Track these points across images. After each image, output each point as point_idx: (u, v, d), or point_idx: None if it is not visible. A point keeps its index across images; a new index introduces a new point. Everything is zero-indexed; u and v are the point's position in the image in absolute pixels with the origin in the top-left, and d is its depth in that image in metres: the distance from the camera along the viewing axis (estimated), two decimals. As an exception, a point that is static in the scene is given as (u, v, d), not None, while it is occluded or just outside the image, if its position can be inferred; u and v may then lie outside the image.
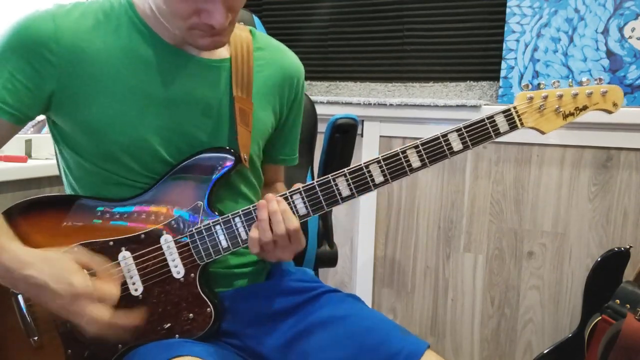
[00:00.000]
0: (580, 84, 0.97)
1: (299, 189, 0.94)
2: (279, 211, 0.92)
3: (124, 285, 0.92)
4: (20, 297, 0.92)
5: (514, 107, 0.96)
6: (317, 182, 0.94)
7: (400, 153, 0.94)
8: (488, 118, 0.95)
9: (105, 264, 0.90)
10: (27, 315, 0.92)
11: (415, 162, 0.94)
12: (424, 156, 0.94)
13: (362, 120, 2.11)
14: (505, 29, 1.96)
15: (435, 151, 0.94)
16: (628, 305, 1.57)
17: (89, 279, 0.84)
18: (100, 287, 0.85)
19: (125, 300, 0.92)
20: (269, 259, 0.96)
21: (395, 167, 0.94)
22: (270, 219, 0.92)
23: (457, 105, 1.94)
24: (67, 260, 0.85)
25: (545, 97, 0.96)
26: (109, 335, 0.86)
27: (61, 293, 0.81)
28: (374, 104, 2.06)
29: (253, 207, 0.94)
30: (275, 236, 0.91)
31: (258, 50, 1.05)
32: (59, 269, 0.83)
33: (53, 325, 0.92)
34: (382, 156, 0.94)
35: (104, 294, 0.84)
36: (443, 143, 0.94)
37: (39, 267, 0.83)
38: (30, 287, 0.83)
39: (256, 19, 1.42)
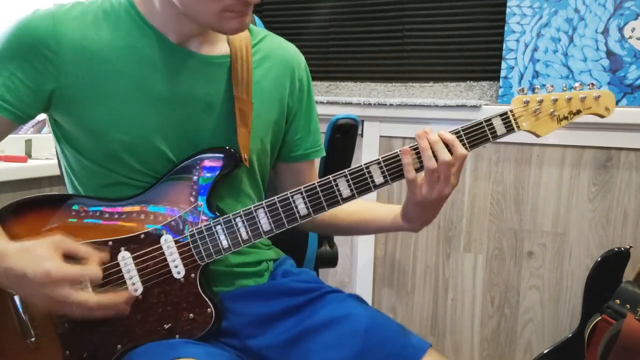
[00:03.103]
0: (573, 88, 0.99)
1: (299, 189, 0.94)
2: (440, 141, 0.91)
3: (123, 285, 0.92)
4: (16, 298, 0.91)
5: (511, 111, 0.96)
6: (318, 182, 0.94)
7: (400, 154, 0.94)
8: (486, 121, 0.95)
9: (89, 248, 0.88)
10: (23, 316, 0.91)
11: (415, 163, 0.94)
12: None
13: (362, 120, 2.11)
14: (505, 29, 1.96)
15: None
16: (628, 305, 1.57)
17: (63, 263, 0.82)
18: (78, 269, 0.83)
19: None
20: (429, 195, 0.93)
21: (395, 168, 0.94)
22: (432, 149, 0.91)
23: (457, 106, 1.94)
24: (42, 246, 0.83)
25: (541, 101, 0.97)
26: (102, 316, 0.86)
27: (39, 281, 0.80)
28: (374, 104, 2.05)
29: (254, 207, 0.94)
30: (440, 164, 0.90)
31: (256, 45, 1.05)
32: (34, 257, 0.82)
33: (51, 326, 0.91)
34: (382, 157, 0.94)
35: (83, 275, 0.84)
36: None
37: (16, 258, 0.82)
38: (12, 280, 0.83)
39: (257, 19, 1.42)
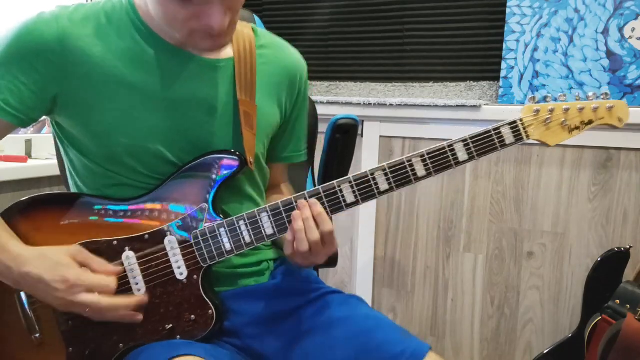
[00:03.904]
0: (587, 98, 0.98)
1: (303, 194, 0.94)
2: (311, 217, 0.91)
3: (126, 285, 0.93)
4: (22, 294, 0.93)
5: (520, 120, 0.96)
6: (322, 187, 0.94)
7: (405, 162, 0.94)
8: (494, 129, 0.95)
9: (103, 261, 0.91)
10: (29, 312, 0.93)
11: (420, 171, 0.94)
12: (430, 166, 0.94)
13: (362, 121, 2.11)
14: (505, 29, 1.97)
15: (440, 161, 0.94)
16: (628, 305, 1.58)
17: (81, 271, 0.87)
18: (94, 278, 0.87)
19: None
20: (302, 264, 0.95)
21: (400, 175, 0.94)
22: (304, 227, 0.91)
23: (457, 106, 1.94)
24: (61, 255, 0.88)
25: (552, 111, 0.96)
26: (115, 319, 0.89)
27: (56, 286, 0.85)
28: (374, 104, 2.06)
29: (258, 210, 0.94)
30: (310, 243, 0.90)
31: (260, 48, 1.05)
32: (53, 263, 0.86)
33: (55, 322, 0.93)
34: (387, 164, 0.94)
35: (99, 283, 0.87)
36: (449, 153, 0.94)
37: (35, 263, 0.86)
38: (29, 283, 0.87)
39: (257, 19, 1.42)
